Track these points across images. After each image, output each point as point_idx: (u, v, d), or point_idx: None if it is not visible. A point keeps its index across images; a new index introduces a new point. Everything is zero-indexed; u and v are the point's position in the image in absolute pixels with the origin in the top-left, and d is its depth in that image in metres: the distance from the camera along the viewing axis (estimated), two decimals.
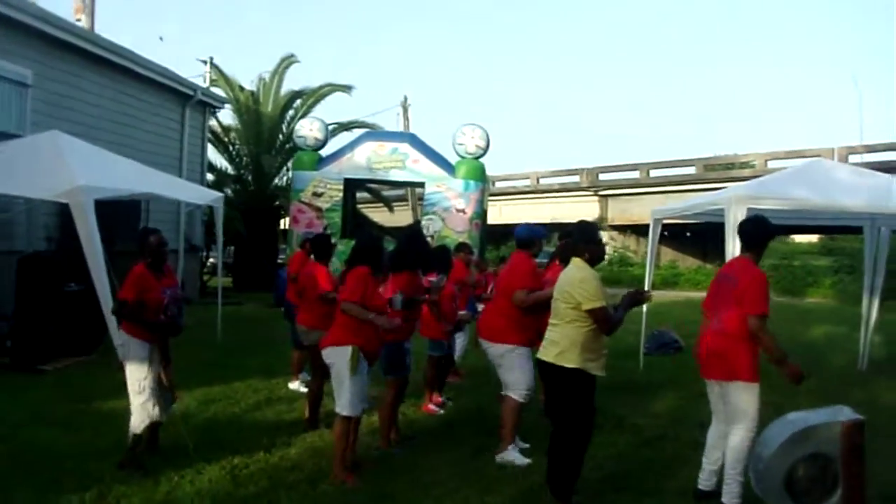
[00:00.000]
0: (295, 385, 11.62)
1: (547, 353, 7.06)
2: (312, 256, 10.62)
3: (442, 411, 10.77)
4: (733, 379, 6.96)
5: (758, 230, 7.44)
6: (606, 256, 36.26)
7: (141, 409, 7.53)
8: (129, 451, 7.60)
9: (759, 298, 6.88)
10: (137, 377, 7.55)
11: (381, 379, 8.96)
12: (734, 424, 6.98)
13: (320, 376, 9.37)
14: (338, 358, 7.51)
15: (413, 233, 9.71)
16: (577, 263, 7.07)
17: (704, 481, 7.33)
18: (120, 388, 8.46)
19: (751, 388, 6.93)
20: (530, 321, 8.39)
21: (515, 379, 8.40)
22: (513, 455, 8.36)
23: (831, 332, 21.05)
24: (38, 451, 8.05)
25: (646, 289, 9.48)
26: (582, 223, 7.60)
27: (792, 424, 5.08)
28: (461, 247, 12.62)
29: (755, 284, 6.96)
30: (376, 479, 7.53)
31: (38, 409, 9.74)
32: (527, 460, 8.29)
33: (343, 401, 7.51)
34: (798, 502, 4.97)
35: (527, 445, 8.60)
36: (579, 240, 7.25)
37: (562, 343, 6.93)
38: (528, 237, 8.95)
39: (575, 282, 6.88)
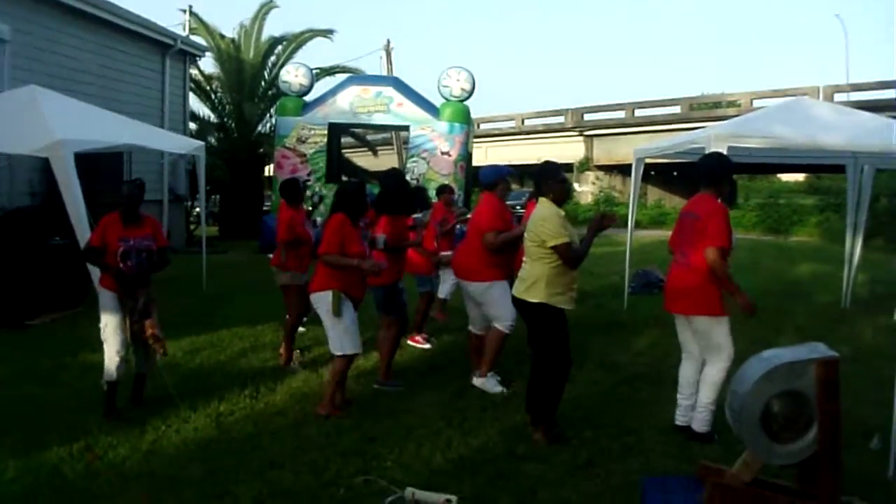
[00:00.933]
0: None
1: (517, 289, 7.42)
2: (286, 201, 10.71)
3: (428, 345, 11.11)
4: (700, 313, 7.20)
5: (716, 166, 7.62)
6: (592, 196, 36.45)
7: (108, 358, 7.72)
8: (107, 399, 7.74)
9: (719, 231, 7.02)
10: (102, 325, 7.75)
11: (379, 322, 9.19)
12: (709, 357, 7.26)
13: (294, 315, 10.14)
14: (321, 303, 7.74)
15: (394, 176, 9.75)
16: (542, 203, 7.34)
17: (681, 416, 7.55)
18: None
19: (720, 321, 7.16)
20: (504, 258, 8.71)
21: (499, 312, 8.65)
22: (491, 382, 8.76)
23: (816, 270, 21.14)
24: (23, 406, 8.08)
25: (625, 225, 9.58)
26: (545, 163, 7.73)
27: (767, 362, 5.10)
28: (443, 188, 12.73)
29: (715, 218, 7.09)
30: (360, 422, 7.60)
31: (23, 365, 9.74)
32: (501, 389, 8.72)
33: (334, 342, 7.78)
34: (774, 439, 5.01)
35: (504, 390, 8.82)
36: (543, 180, 7.44)
37: (528, 279, 7.24)
38: (493, 178, 9.12)
39: (538, 220, 7.16)
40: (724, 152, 10.03)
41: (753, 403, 4.96)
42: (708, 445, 7.07)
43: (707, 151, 10.41)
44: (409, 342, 11.02)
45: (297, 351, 10.37)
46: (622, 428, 7.58)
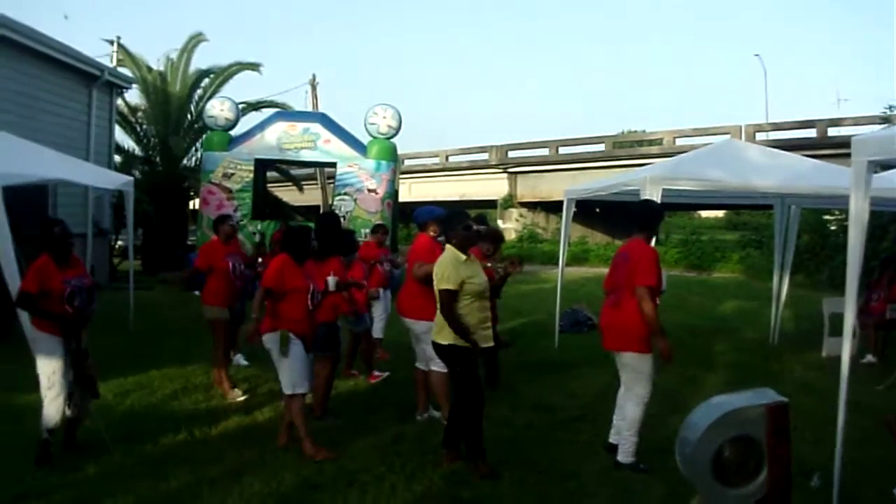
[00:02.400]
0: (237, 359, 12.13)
1: (433, 331, 7.77)
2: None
3: (386, 373, 11.50)
4: (628, 350, 7.60)
5: (649, 213, 8.26)
6: (516, 233, 36.76)
7: (51, 405, 7.44)
8: (42, 447, 7.49)
9: (648, 271, 7.48)
10: (47, 372, 7.47)
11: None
12: (630, 391, 7.72)
13: (221, 351, 10.61)
14: (271, 343, 7.80)
15: (333, 220, 9.87)
16: (448, 248, 7.67)
17: (614, 435, 8.04)
18: (33, 382, 8.31)
19: (643, 358, 7.58)
20: None
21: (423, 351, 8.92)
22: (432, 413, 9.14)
23: (742, 307, 21.41)
24: None
25: (553, 268, 9.85)
26: (450, 212, 8.27)
27: (717, 407, 5.12)
28: (378, 227, 13.10)
29: (645, 259, 7.56)
30: (301, 467, 7.48)
31: None
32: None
33: (285, 380, 7.83)
34: (725, 484, 5.03)
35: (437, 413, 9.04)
36: (448, 227, 7.81)
37: (438, 322, 7.56)
38: (426, 219, 9.44)
39: (437, 265, 7.55)
40: (659, 194, 10.26)
41: (704, 449, 4.96)
42: (649, 489, 7.10)
43: (642, 193, 10.54)
44: (370, 381, 11.29)
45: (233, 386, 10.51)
46: (563, 472, 7.55)
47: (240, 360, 12.19)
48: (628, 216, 8.60)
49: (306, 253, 8.25)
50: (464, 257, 7.53)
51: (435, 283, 7.46)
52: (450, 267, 7.37)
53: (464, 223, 7.73)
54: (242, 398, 10.14)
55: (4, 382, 10.25)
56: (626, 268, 7.66)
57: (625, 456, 7.69)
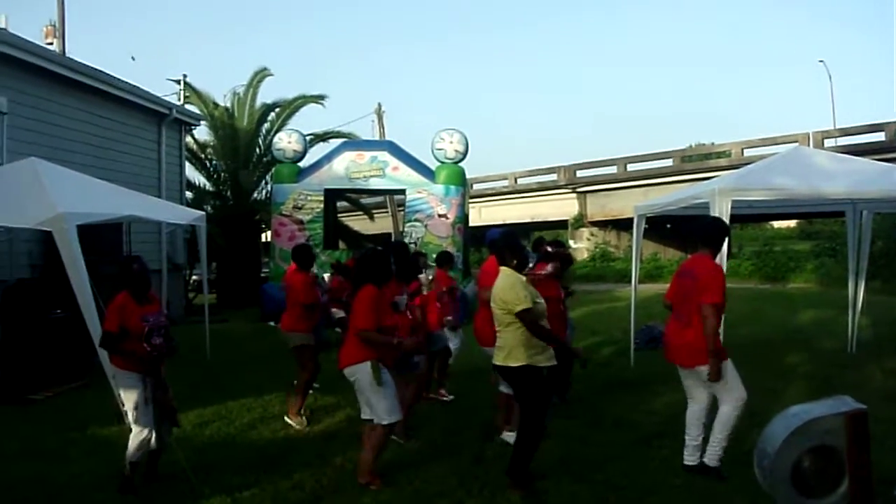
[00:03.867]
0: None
1: (497, 357, 7.68)
2: (295, 265, 11.04)
3: (451, 397, 11.53)
4: (703, 363, 7.55)
5: (713, 229, 8.24)
6: (588, 252, 36.50)
7: (136, 438, 7.51)
8: (127, 478, 7.57)
9: (714, 288, 7.55)
10: (130, 406, 7.55)
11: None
12: (721, 398, 7.71)
13: (308, 373, 10.55)
14: (360, 374, 7.65)
15: (400, 244, 9.96)
16: (505, 272, 7.63)
17: (689, 457, 8.00)
18: (113, 415, 8.42)
19: (723, 367, 7.54)
20: None
21: None
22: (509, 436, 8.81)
23: (818, 317, 21.11)
24: (33, 484, 7.96)
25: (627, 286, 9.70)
26: (504, 232, 8.26)
27: (795, 418, 5.06)
28: (444, 257, 13.00)
29: (710, 276, 7.64)
30: (379, 493, 7.49)
31: (30, 441, 9.63)
32: None
33: (380, 412, 7.65)
34: (805, 495, 4.97)
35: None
36: (504, 249, 7.77)
37: (506, 347, 7.53)
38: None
39: (503, 289, 7.46)
40: (729, 206, 10.17)
41: (783, 461, 4.91)
42: (732, 502, 7.05)
43: (711, 205, 10.48)
44: (433, 396, 11.40)
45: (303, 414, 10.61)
46: (644, 488, 7.53)
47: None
48: (693, 232, 8.56)
49: (389, 275, 8.23)
50: (524, 278, 7.61)
51: (505, 307, 7.40)
52: (520, 287, 7.38)
53: (519, 246, 7.86)
54: (305, 427, 10.23)
55: (81, 417, 10.47)
56: (692, 285, 7.71)
57: (713, 459, 7.74)
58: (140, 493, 7.55)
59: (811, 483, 4.98)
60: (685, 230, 43.68)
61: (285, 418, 10.37)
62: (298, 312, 10.52)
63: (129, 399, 7.58)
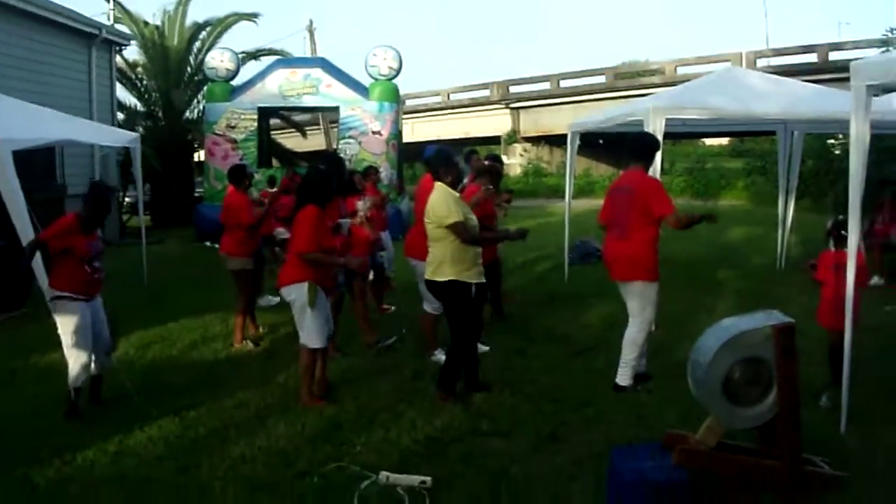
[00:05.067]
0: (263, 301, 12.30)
1: (426, 272, 7.93)
2: (233, 184, 10.96)
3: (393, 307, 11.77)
4: (635, 279, 7.83)
5: (646, 144, 8.39)
6: (521, 168, 36.55)
7: (76, 363, 7.59)
8: (72, 404, 7.64)
9: (661, 201, 7.75)
10: (69, 330, 7.57)
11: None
12: (632, 318, 7.94)
13: (246, 297, 10.53)
14: (297, 293, 7.68)
15: (337, 160, 9.92)
16: (438, 187, 7.77)
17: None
18: (56, 342, 8.46)
19: (652, 286, 7.89)
20: None
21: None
22: (440, 356, 8.95)
23: (749, 234, 21.47)
24: None
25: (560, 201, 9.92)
26: (439, 149, 8.39)
27: (726, 330, 5.26)
28: (369, 170, 12.88)
29: (653, 190, 7.85)
30: (323, 409, 7.64)
31: None
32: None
33: (307, 333, 7.74)
34: (736, 404, 5.17)
35: (486, 348, 9.18)
36: (438, 166, 7.89)
37: (434, 261, 7.73)
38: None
39: (434, 203, 7.62)
40: (663, 123, 10.31)
41: (715, 371, 5.11)
42: (664, 413, 7.23)
43: (645, 123, 10.61)
44: (380, 312, 11.61)
45: (258, 328, 10.91)
46: (580, 400, 7.73)
47: (269, 300, 12.47)
48: (624, 148, 8.68)
49: (331, 197, 8.23)
50: (457, 194, 7.74)
51: (437, 220, 7.56)
52: (451, 202, 7.53)
53: (453, 161, 7.97)
54: (251, 348, 10.32)
55: (25, 345, 10.38)
56: (628, 200, 7.85)
57: (624, 379, 7.97)
58: (86, 418, 7.61)
59: (741, 393, 5.18)
60: (619, 146, 43.94)
61: (235, 346, 10.37)
62: (240, 236, 10.44)
63: (68, 323, 7.59)
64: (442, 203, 7.53)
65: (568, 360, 9.21)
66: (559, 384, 8.28)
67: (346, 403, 7.80)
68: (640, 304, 7.90)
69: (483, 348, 8.94)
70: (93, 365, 7.76)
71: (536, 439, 6.78)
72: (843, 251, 7.47)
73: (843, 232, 7.55)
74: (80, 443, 6.95)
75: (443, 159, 7.89)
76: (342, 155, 22.09)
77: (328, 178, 8.14)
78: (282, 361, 9.46)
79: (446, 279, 7.57)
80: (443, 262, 7.58)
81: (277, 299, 11.61)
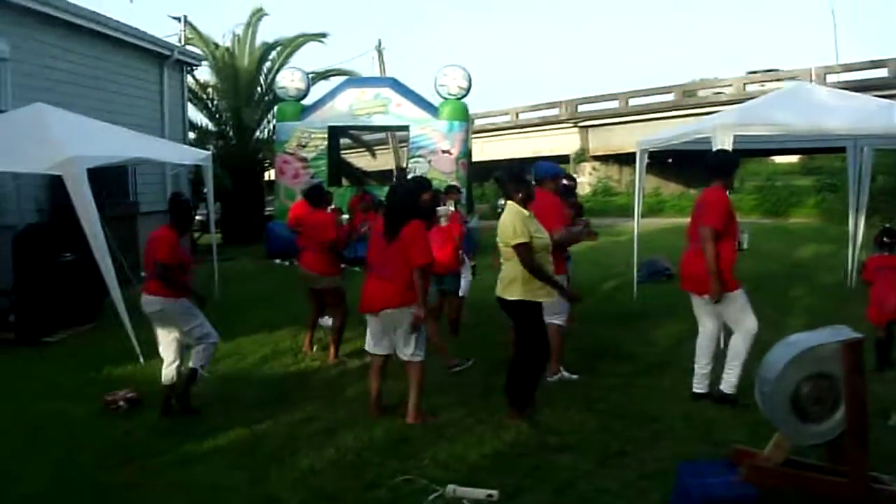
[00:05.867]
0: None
1: (497, 288, 7.82)
2: (311, 205, 11.14)
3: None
4: (709, 292, 7.81)
5: (723, 161, 8.35)
6: (590, 187, 36.37)
7: (169, 369, 8.18)
8: (165, 401, 8.15)
9: (713, 213, 7.84)
10: (192, 326, 8.20)
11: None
12: (735, 328, 7.96)
13: (342, 315, 10.50)
14: (406, 317, 7.64)
15: (426, 182, 9.91)
16: (510, 206, 7.70)
17: (697, 385, 8.27)
18: (126, 354, 8.60)
19: (735, 296, 7.84)
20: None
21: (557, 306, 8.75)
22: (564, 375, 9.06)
23: (819, 251, 21.20)
24: (55, 421, 8.13)
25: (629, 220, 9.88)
26: (510, 168, 8.22)
27: (794, 346, 5.25)
28: (451, 189, 12.86)
29: (713, 203, 7.94)
30: (391, 424, 7.68)
31: (47, 381, 9.76)
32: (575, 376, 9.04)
33: (420, 346, 7.78)
34: (804, 420, 5.15)
35: (575, 376, 9.12)
36: (509, 184, 7.80)
37: (505, 278, 7.68)
38: (544, 175, 9.22)
39: (505, 223, 7.57)
40: (731, 141, 10.26)
41: (783, 387, 5.10)
42: (732, 429, 7.19)
43: (713, 140, 10.55)
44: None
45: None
46: (648, 416, 7.75)
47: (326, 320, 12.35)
48: (702, 165, 8.65)
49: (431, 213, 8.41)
50: (527, 213, 7.62)
51: (505, 239, 7.54)
52: (519, 222, 7.46)
53: (525, 179, 7.93)
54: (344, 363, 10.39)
55: (95, 358, 10.64)
56: (699, 214, 7.98)
57: (729, 387, 7.95)
58: (157, 428, 7.78)
59: (809, 409, 5.16)
60: (688, 164, 43.65)
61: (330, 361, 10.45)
62: (328, 255, 10.53)
63: (188, 322, 8.11)
64: (509, 223, 7.49)
65: (636, 378, 9.19)
66: (627, 401, 8.28)
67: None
68: (736, 314, 7.93)
69: (571, 377, 9.01)
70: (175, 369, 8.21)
71: (604, 454, 6.78)
72: (885, 255, 9.57)
73: (885, 239, 9.62)
74: (151, 451, 7.13)
75: (513, 177, 7.83)
76: (411, 174, 22.22)
77: (418, 191, 8.15)
78: (351, 376, 9.61)
79: (516, 298, 7.54)
80: (514, 280, 7.53)
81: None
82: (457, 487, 5.87)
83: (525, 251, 7.39)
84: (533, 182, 8.82)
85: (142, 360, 10.14)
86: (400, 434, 7.40)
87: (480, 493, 5.80)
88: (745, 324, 7.88)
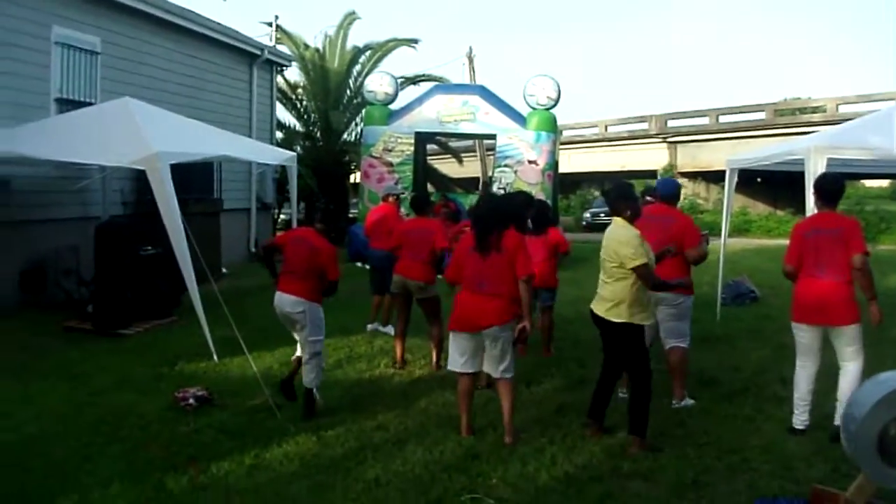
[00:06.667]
0: (373, 326, 12.35)
1: (598, 307, 7.57)
2: (414, 213, 11.28)
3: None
4: (852, 322, 7.76)
5: (836, 187, 8.07)
6: (678, 204, 36.10)
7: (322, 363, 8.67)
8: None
9: (862, 239, 7.76)
10: (322, 336, 8.65)
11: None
12: (855, 358, 7.81)
13: (440, 323, 10.26)
14: (510, 333, 7.55)
15: (528, 197, 9.78)
16: (618, 223, 7.50)
17: (799, 420, 7.98)
18: (200, 351, 8.53)
19: (860, 328, 7.81)
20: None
21: (683, 329, 8.94)
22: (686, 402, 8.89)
23: None
24: (123, 415, 8.16)
25: (716, 238, 9.60)
26: (618, 183, 8.16)
27: (884, 384, 5.02)
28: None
29: (856, 229, 7.85)
30: (462, 438, 7.59)
31: (120, 374, 9.86)
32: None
33: (512, 363, 7.68)
34: (890, 463, 4.94)
35: (692, 402, 8.94)
36: (618, 199, 7.59)
37: (611, 299, 7.42)
38: (672, 191, 9.32)
39: (618, 242, 7.30)
40: (824, 163, 10.02)
41: (870, 427, 4.88)
42: (812, 466, 6.98)
43: (806, 162, 10.32)
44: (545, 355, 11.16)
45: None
46: (725, 446, 7.50)
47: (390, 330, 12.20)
48: (793, 186, 8.46)
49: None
50: (638, 232, 7.40)
51: (618, 259, 7.27)
52: (638, 243, 7.25)
53: (633, 196, 7.75)
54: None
55: (170, 353, 10.85)
56: (837, 241, 7.73)
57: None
58: (225, 429, 7.76)
59: None
60: (776, 184, 43.05)
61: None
62: (429, 263, 10.42)
63: (316, 333, 8.53)
64: (626, 243, 7.24)
65: (715, 404, 8.92)
66: (705, 428, 8.04)
67: (486, 434, 7.70)
68: (857, 346, 7.79)
69: (688, 402, 8.87)
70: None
71: (678, 484, 6.57)
72: None
73: None
74: (218, 453, 7.11)
75: (622, 194, 7.63)
76: (497, 184, 22.14)
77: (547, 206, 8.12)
78: (424, 386, 9.54)
79: (623, 321, 7.34)
80: (621, 302, 7.32)
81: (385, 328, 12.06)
82: None
83: (647, 272, 7.23)
84: (659, 197, 8.99)
85: (216, 357, 10.21)
86: (470, 450, 7.27)
87: None
88: (861, 359, 7.80)
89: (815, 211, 8.14)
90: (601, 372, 7.84)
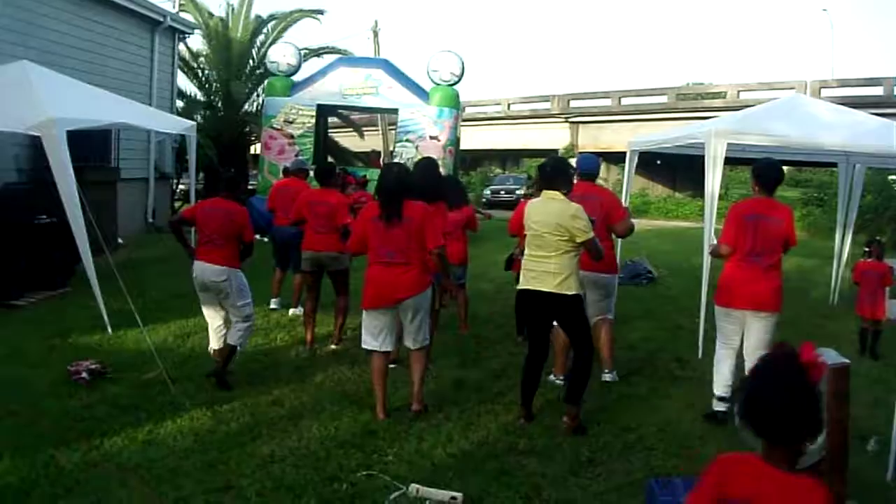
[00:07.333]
0: (295, 311, 12.01)
1: (544, 283, 7.32)
2: (319, 184, 10.93)
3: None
4: (776, 311, 7.77)
5: (777, 175, 8.09)
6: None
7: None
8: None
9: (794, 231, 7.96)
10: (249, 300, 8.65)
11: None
12: (760, 351, 7.37)
13: (347, 296, 10.39)
14: (425, 301, 7.61)
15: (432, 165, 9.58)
16: (556, 197, 7.35)
17: (719, 404, 7.95)
18: (94, 323, 8.36)
19: (778, 317, 7.83)
20: None
21: (611, 305, 9.03)
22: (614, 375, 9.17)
23: (802, 265, 21.00)
24: (13, 389, 7.95)
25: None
26: (558, 159, 8.13)
27: None
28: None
29: (793, 219, 8.00)
30: (358, 414, 7.55)
31: (10, 346, 9.62)
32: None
33: (427, 334, 7.73)
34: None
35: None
36: (555, 174, 7.53)
37: (560, 273, 7.24)
38: (592, 168, 9.40)
39: (569, 216, 7.16)
40: (724, 147, 10.13)
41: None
42: (708, 444, 7.08)
43: (706, 146, 10.42)
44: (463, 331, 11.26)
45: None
46: (621, 425, 7.56)
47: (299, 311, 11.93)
48: (692, 168, 8.52)
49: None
50: (580, 205, 7.37)
51: (567, 234, 7.16)
52: (586, 217, 7.22)
53: (571, 171, 7.84)
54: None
55: (63, 325, 10.60)
56: (774, 229, 7.75)
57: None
58: (119, 403, 7.61)
59: None
60: (676, 167, 43.61)
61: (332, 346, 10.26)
62: (336, 235, 10.02)
63: (242, 297, 8.55)
64: (575, 217, 7.15)
65: (611, 384, 9.00)
66: (601, 407, 8.10)
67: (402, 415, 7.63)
68: (772, 335, 7.73)
69: (616, 375, 9.04)
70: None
71: (574, 462, 6.62)
72: (869, 261, 11.55)
73: (866, 249, 11.87)
74: (111, 428, 6.96)
75: (559, 169, 7.60)
76: (399, 158, 22.06)
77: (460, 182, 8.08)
78: (321, 361, 9.48)
79: (573, 293, 7.29)
80: (570, 276, 7.26)
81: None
82: (420, 487, 5.70)
83: (595, 245, 7.25)
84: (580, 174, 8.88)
85: (110, 330, 10.04)
86: (365, 426, 7.23)
87: (444, 494, 5.63)
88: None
89: (753, 195, 8.05)
90: (527, 357, 7.69)
